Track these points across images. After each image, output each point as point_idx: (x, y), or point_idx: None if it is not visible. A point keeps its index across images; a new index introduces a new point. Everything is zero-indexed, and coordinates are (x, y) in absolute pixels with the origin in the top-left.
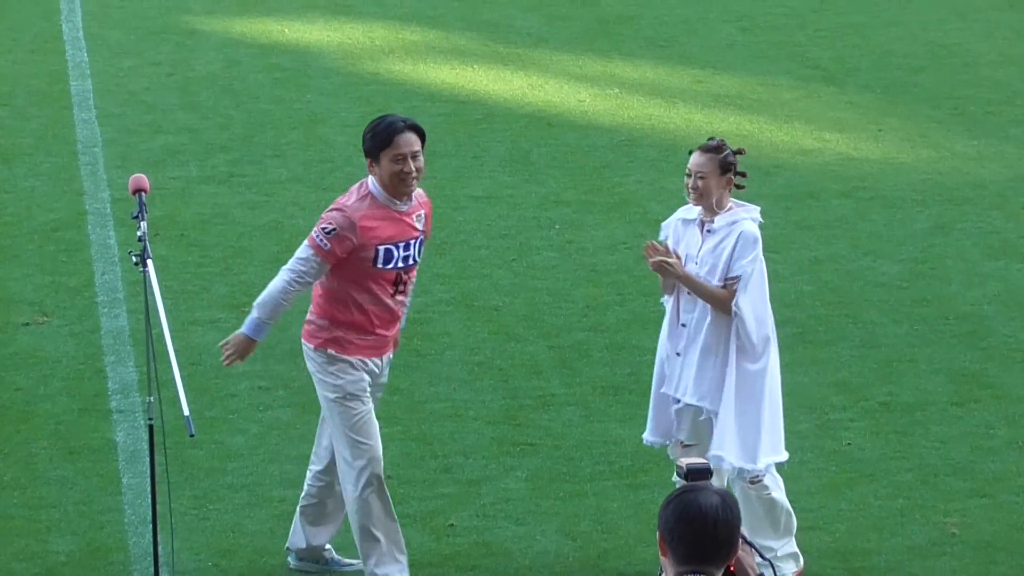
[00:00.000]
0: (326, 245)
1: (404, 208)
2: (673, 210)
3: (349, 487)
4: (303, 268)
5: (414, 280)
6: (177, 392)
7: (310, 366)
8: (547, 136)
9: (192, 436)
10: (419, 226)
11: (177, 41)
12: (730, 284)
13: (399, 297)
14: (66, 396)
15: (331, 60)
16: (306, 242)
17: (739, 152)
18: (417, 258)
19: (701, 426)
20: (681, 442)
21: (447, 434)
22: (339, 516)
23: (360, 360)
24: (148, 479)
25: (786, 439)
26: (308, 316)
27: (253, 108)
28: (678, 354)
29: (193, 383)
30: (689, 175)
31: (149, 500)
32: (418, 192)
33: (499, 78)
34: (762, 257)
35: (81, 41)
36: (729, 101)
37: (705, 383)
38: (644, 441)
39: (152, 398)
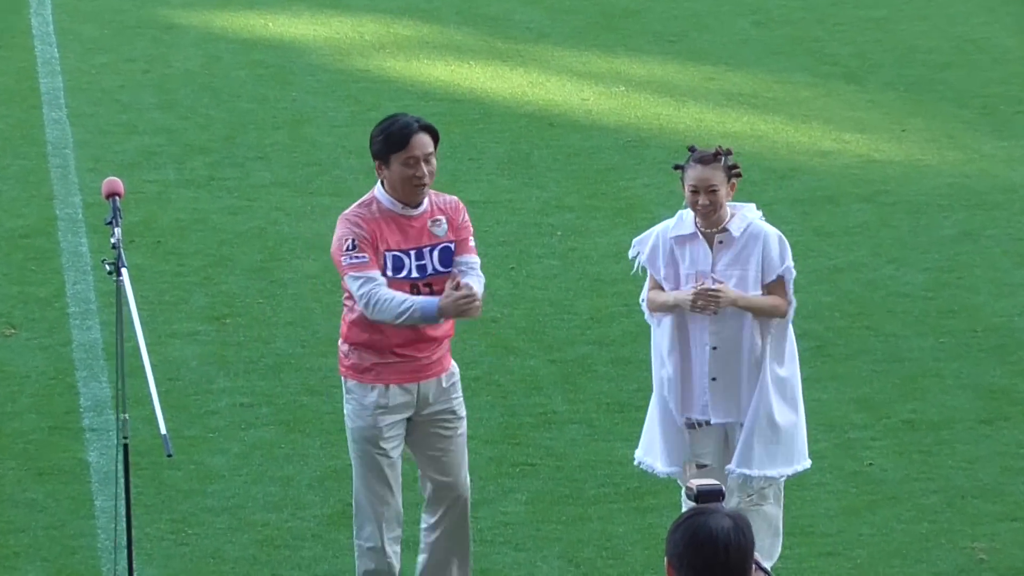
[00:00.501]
0: (363, 257)
1: (415, 213)
2: None
3: (354, 530)
4: (364, 284)
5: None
6: (153, 409)
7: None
8: (548, 137)
9: (170, 456)
10: (439, 233)
11: (154, 36)
12: (773, 288)
13: None
14: (35, 413)
15: (318, 56)
16: (346, 278)
17: (728, 153)
18: (439, 268)
19: (722, 444)
20: (696, 463)
21: None
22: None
23: (383, 387)
24: (123, 502)
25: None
26: (339, 343)
27: (234, 107)
28: (714, 379)
29: (170, 400)
30: (696, 191)
31: (124, 524)
32: (442, 197)
33: (497, 75)
34: None
35: (51, 36)
36: (743, 100)
37: (744, 400)
38: (658, 473)
39: (127, 416)
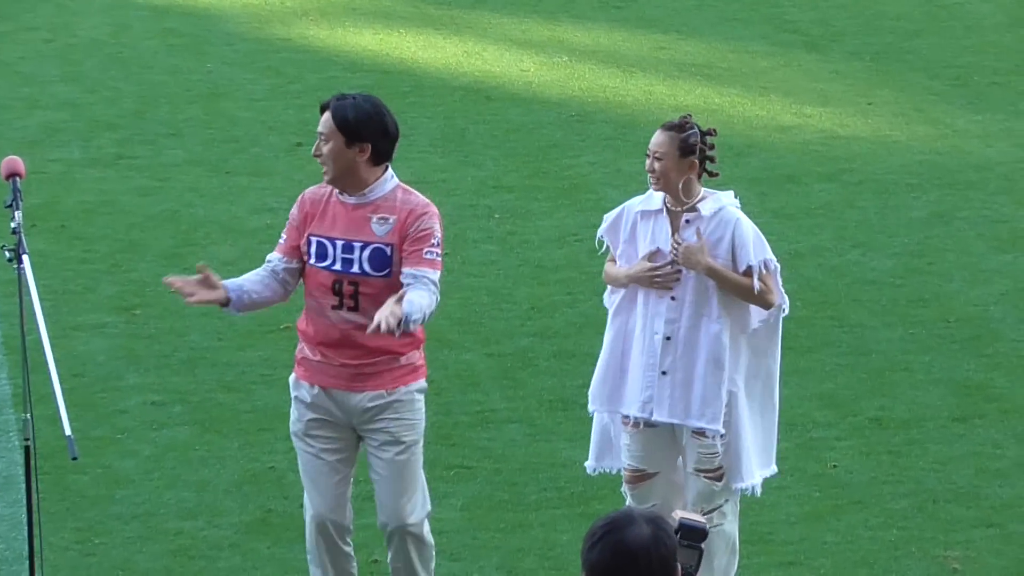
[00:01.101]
0: (282, 238)
1: (350, 201)
2: (630, 195)
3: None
4: (270, 258)
5: (398, 311)
6: (57, 408)
7: None
8: (485, 111)
9: (75, 459)
10: (378, 231)
11: (57, 2)
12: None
13: (344, 313)
14: None
15: (235, 24)
16: None
17: (708, 133)
18: (367, 269)
19: (669, 448)
20: (632, 469)
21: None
22: None
23: (308, 385)
24: (25, 508)
25: None
26: None
27: (145, 80)
28: (664, 372)
29: (76, 398)
30: (648, 155)
31: (26, 533)
32: (411, 197)
33: (430, 44)
34: None
35: None
36: (696, 70)
37: (695, 402)
38: (588, 470)
39: (29, 415)
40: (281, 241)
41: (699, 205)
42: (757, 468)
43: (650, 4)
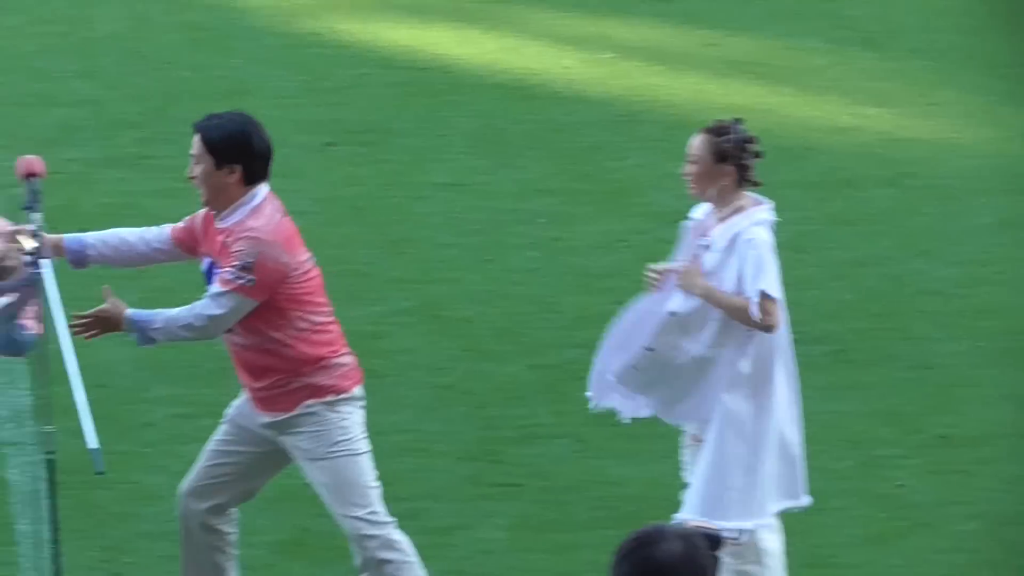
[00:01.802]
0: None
1: (218, 225)
2: (679, 200)
3: None
4: None
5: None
6: (81, 421)
7: None
8: (526, 111)
9: (100, 474)
10: (214, 250)
11: None
12: None
13: (231, 336)
14: None
15: (262, 18)
16: None
17: (749, 140)
18: (208, 284)
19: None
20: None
21: (410, 473)
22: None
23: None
24: (48, 526)
25: (824, 480)
26: None
27: (167, 76)
28: (650, 348)
29: (100, 410)
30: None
31: (49, 551)
32: (249, 221)
33: (467, 40)
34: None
35: None
36: (748, 68)
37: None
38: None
39: (51, 428)
40: (182, 224)
41: (714, 231)
42: (703, 509)
43: None
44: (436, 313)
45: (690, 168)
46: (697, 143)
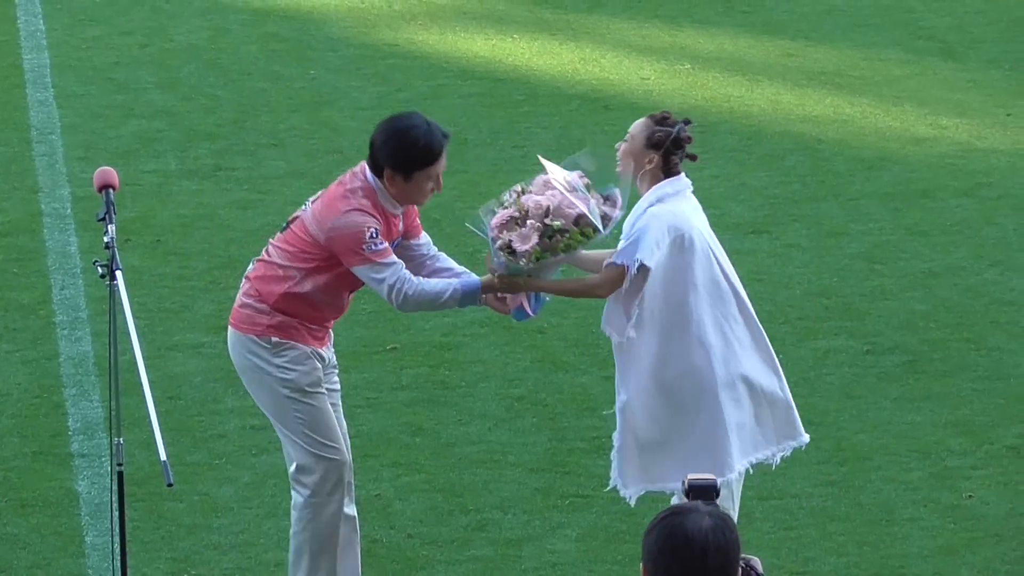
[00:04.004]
0: (384, 244)
1: (400, 211)
2: (754, 211)
3: (307, 492)
4: (394, 273)
5: None
6: (152, 432)
7: (245, 360)
8: (603, 121)
9: (170, 486)
10: (400, 227)
11: (153, 5)
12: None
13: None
14: (17, 437)
15: (340, 28)
16: (367, 267)
17: (685, 141)
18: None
19: None
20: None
21: (481, 484)
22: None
23: (311, 350)
24: (117, 537)
25: (894, 491)
26: (242, 300)
27: (244, 87)
28: None
29: (171, 422)
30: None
31: (119, 563)
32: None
33: (545, 50)
34: (675, 237)
35: (36, 5)
36: (825, 79)
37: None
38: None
39: (121, 440)
40: (388, 247)
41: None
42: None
43: (778, 8)
44: (508, 324)
45: (622, 144)
46: (637, 124)
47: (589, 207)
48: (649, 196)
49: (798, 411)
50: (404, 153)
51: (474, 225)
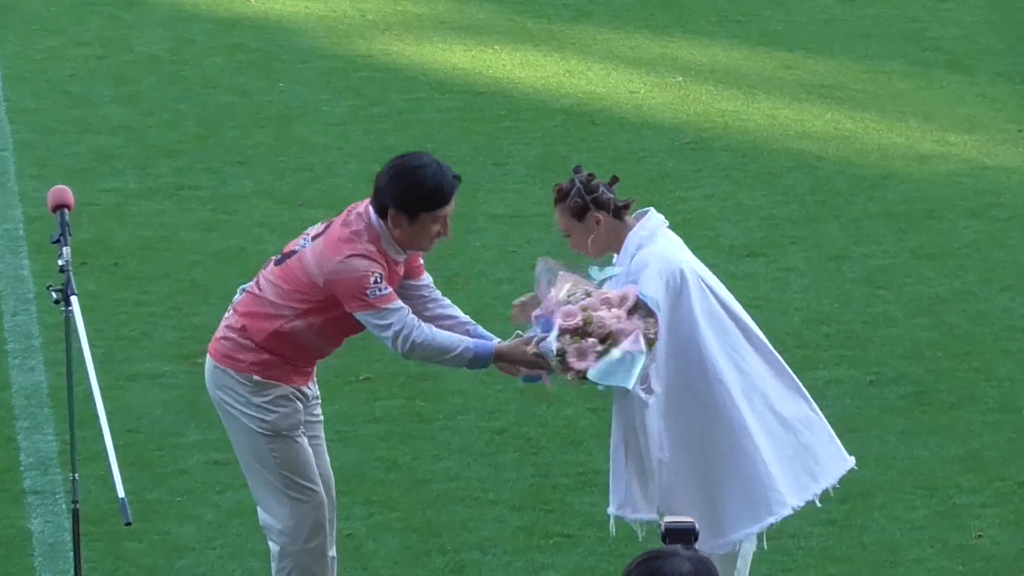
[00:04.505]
0: (388, 289)
1: (401, 259)
2: (750, 233)
3: (284, 540)
4: (400, 319)
5: None
6: (110, 468)
7: (223, 394)
8: (589, 137)
9: (129, 524)
10: (401, 271)
11: (111, 14)
12: None
13: None
14: None
15: (310, 39)
16: (371, 313)
17: (592, 178)
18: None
19: None
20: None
21: (459, 523)
22: None
23: (295, 389)
24: None
25: (899, 530)
26: (225, 332)
27: (209, 101)
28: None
29: (130, 456)
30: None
31: None
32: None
33: (527, 62)
34: (666, 279)
35: None
36: (825, 92)
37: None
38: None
39: (77, 476)
40: (392, 292)
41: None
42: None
43: (774, 18)
44: None
45: (572, 243)
46: (558, 216)
47: (642, 330)
48: (628, 249)
49: None
50: (410, 193)
51: (544, 275)
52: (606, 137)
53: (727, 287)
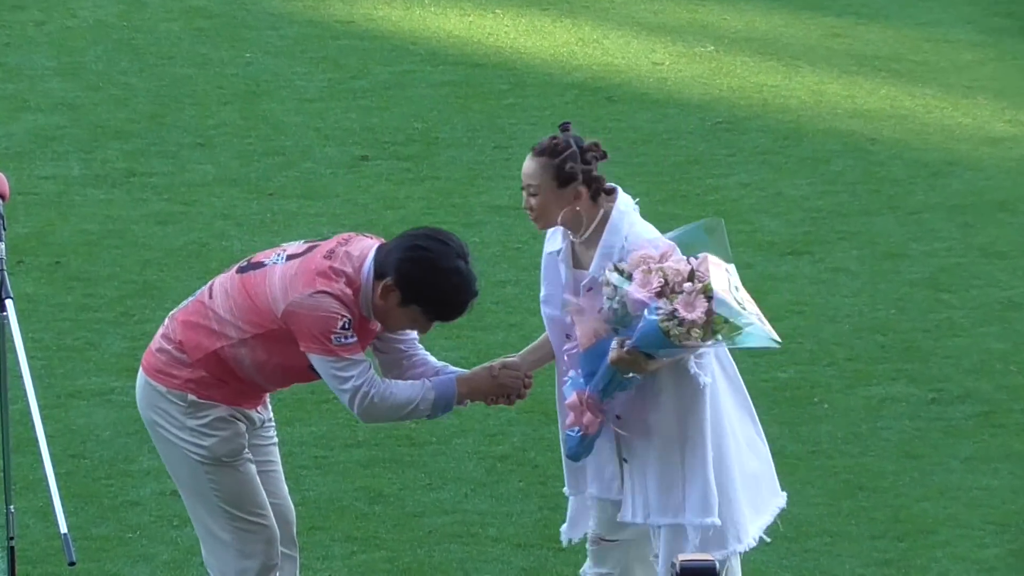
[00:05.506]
0: (355, 338)
1: (373, 325)
2: (793, 227)
3: None
4: (361, 374)
5: None
6: (50, 499)
7: (155, 415)
8: (606, 116)
9: (72, 564)
10: (378, 328)
11: None
12: None
13: None
14: None
15: (281, 2)
16: (332, 360)
17: (590, 149)
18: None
19: None
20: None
21: (456, 563)
22: None
23: (236, 411)
24: None
25: (966, 570)
26: (161, 343)
27: (164, 74)
28: (624, 460)
29: (74, 486)
30: (522, 187)
31: None
32: None
33: (534, 29)
34: None
35: None
36: (879, 64)
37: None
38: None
39: (12, 508)
40: (357, 342)
41: (597, 261)
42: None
43: None
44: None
45: (530, 200)
46: (532, 168)
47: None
48: (618, 229)
49: (848, 472)
50: (426, 292)
51: (615, 279)
52: (625, 116)
53: (766, 289)
